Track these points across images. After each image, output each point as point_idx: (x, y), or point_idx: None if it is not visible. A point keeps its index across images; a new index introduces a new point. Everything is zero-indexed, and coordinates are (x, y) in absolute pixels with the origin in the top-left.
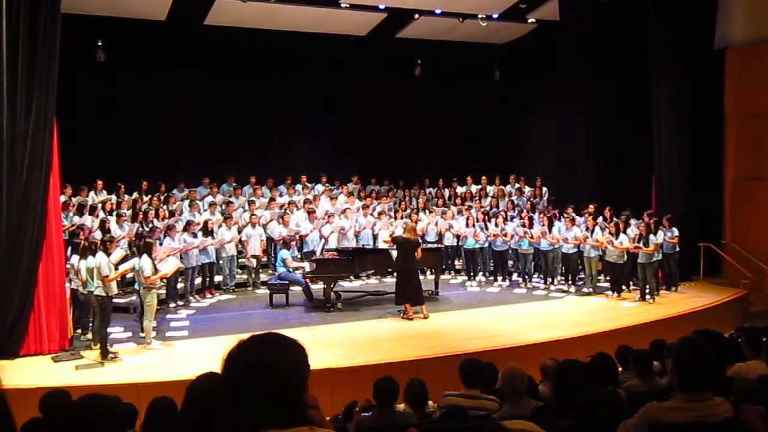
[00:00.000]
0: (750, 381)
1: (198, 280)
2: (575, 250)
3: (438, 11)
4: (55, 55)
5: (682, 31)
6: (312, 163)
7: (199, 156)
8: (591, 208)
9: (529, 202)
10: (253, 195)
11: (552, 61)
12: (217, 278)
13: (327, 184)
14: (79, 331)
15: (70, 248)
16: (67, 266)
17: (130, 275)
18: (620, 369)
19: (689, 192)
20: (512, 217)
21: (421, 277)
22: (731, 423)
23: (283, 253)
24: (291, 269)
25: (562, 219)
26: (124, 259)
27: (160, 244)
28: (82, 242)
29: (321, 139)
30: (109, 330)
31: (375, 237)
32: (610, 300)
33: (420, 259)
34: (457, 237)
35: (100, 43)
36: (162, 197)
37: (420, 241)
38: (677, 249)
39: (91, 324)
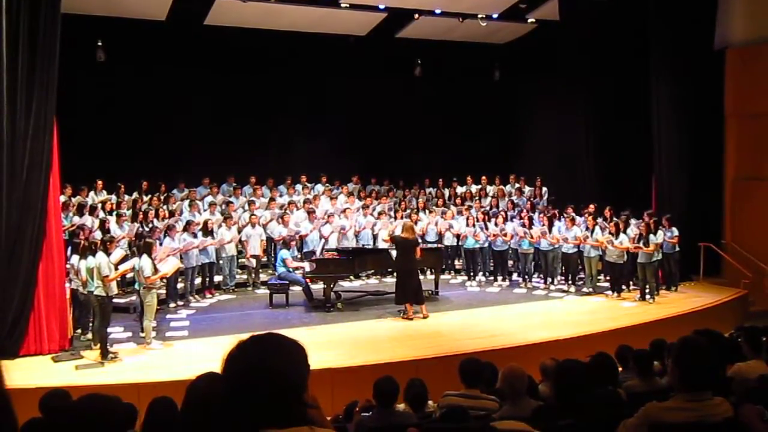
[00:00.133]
0: (750, 381)
1: (198, 280)
2: (575, 250)
3: (438, 11)
4: (55, 55)
5: (682, 31)
6: (312, 163)
7: (199, 156)
8: (591, 207)
9: (529, 202)
10: (253, 195)
11: (552, 61)
12: (217, 278)
13: (327, 184)
14: (79, 331)
15: (70, 248)
16: (67, 266)
17: (130, 275)
18: (620, 369)
19: (689, 192)
20: (512, 217)
21: (421, 277)
22: (731, 423)
23: (283, 253)
24: (291, 269)
25: (562, 219)
26: (124, 259)
27: (160, 244)
28: (82, 242)
29: (321, 139)
30: (109, 330)
31: (375, 237)
32: (610, 300)
33: (420, 259)
34: (457, 237)
35: (100, 43)
36: (162, 197)
37: (419, 239)
38: (677, 249)
39: (91, 324)
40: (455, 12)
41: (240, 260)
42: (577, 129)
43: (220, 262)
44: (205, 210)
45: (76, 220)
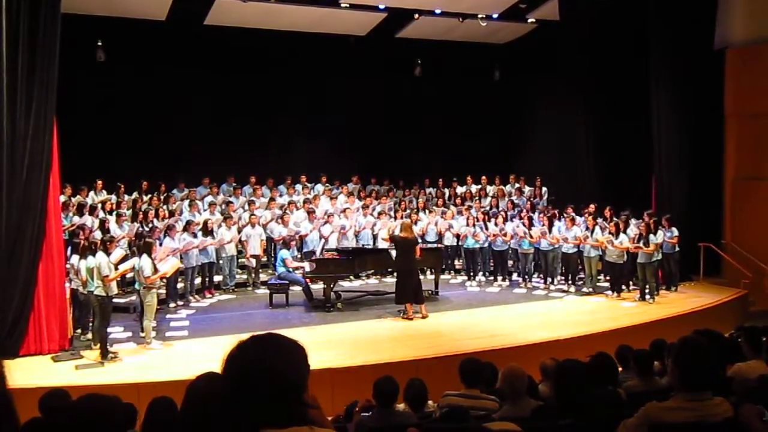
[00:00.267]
0: (750, 381)
1: (198, 280)
2: (575, 249)
3: (438, 11)
4: (55, 55)
5: (682, 31)
6: (312, 163)
7: (199, 156)
8: (591, 207)
9: (529, 202)
10: (253, 195)
11: (552, 61)
12: (217, 278)
13: (327, 184)
14: (79, 331)
15: (70, 248)
16: (67, 266)
17: (130, 275)
18: (620, 369)
19: (689, 192)
20: (512, 217)
21: (421, 277)
22: (731, 423)
23: (283, 253)
24: (291, 269)
25: (562, 219)
26: (124, 259)
27: (160, 244)
28: (82, 242)
29: (321, 139)
30: (109, 330)
31: (375, 237)
32: (610, 300)
33: (420, 259)
34: (457, 237)
35: (100, 43)
36: (162, 197)
37: (418, 238)
38: (677, 249)
39: (91, 324)
40: (455, 12)
41: (240, 260)
42: (577, 129)
43: (220, 262)
44: (205, 210)
45: (76, 220)
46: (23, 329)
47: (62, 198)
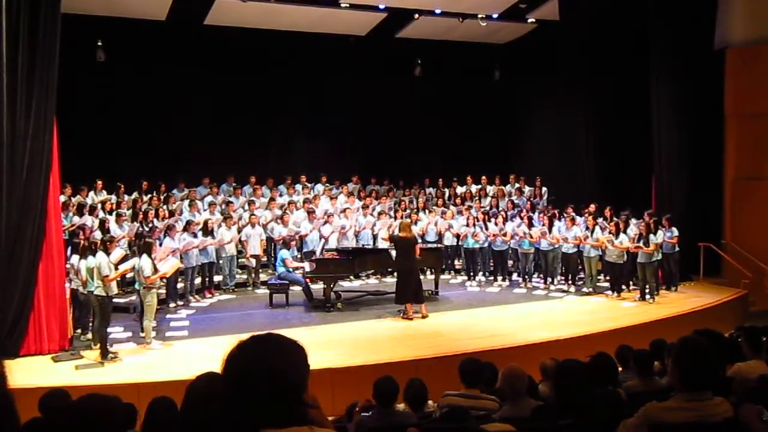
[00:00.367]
0: (750, 381)
1: (198, 280)
2: (575, 249)
3: (438, 11)
4: (55, 55)
5: (682, 31)
6: (312, 163)
7: (199, 156)
8: (592, 207)
9: (529, 202)
10: (253, 195)
11: (552, 61)
12: (217, 278)
13: (327, 184)
14: (79, 331)
15: (70, 248)
16: (67, 266)
17: (130, 275)
18: (620, 369)
19: (689, 192)
20: (512, 216)
21: (421, 277)
22: (731, 423)
23: (283, 253)
24: (291, 269)
25: (562, 219)
26: (124, 259)
27: (160, 244)
28: (82, 242)
29: (321, 139)
30: (109, 330)
31: (375, 237)
32: (610, 300)
33: (420, 259)
34: (457, 237)
35: (100, 43)
36: (162, 197)
37: (417, 237)
38: (677, 249)
39: (91, 324)
40: (455, 12)
41: (240, 260)
42: (577, 129)
43: (220, 262)
44: (205, 210)
45: (76, 220)
46: (23, 329)
47: (62, 198)
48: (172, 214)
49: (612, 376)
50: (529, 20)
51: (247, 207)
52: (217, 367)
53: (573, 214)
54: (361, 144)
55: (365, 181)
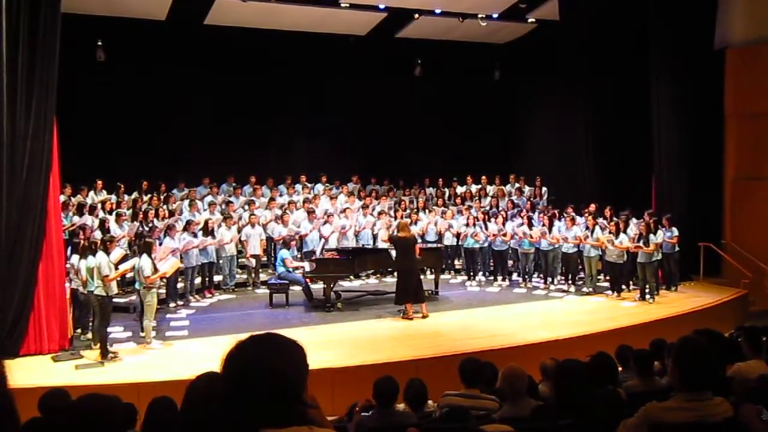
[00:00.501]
0: (750, 381)
1: (198, 280)
2: (575, 249)
3: (438, 11)
4: (55, 55)
5: (682, 31)
6: (312, 163)
7: (199, 156)
8: (592, 207)
9: (529, 202)
10: (253, 195)
11: (552, 61)
12: (217, 278)
13: (327, 184)
14: (79, 330)
15: (70, 248)
16: (67, 266)
17: (130, 275)
18: (620, 369)
19: (689, 192)
20: (512, 216)
21: (421, 277)
22: (731, 423)
23: (283, 253)
24: (291, 269)
25: (563, 219)
26: (124, 259)
27: (160, 244)
28: (82, 242)
29: (321, 139)
30: (109, 330)
31: (375, 237)
32: (610, 300)
33: (420, 259)
34: (457, 236)
35: (100, 43)
36: (162, 197)
37: (416, 237)
38: (677, 249)
39: (91, 324)
40: (455, 12)
41: (240, 260)
42: (577, 129)
43: (220, 261)
44: (205, 210)
45: (76, 219)
46: (23, 329)
47: (62, 198)
48: (172, 214)
49: (612, 376)
50: (529, 20)
51: (247, 207)
52: (216, 367)
53: (573, 214)
54: (361, 144)
55: (365, 181)
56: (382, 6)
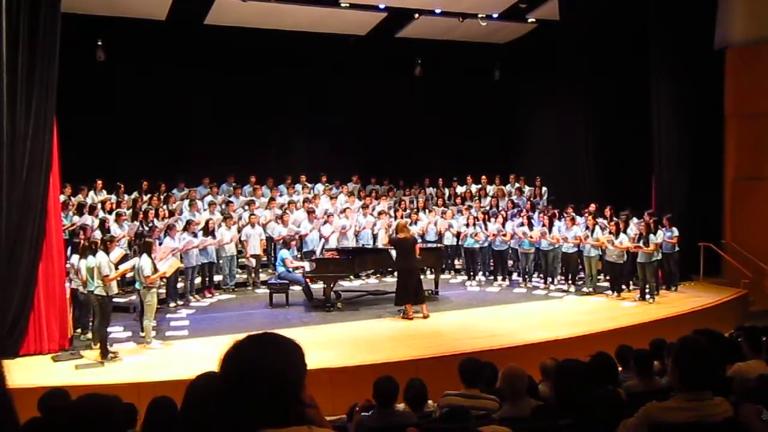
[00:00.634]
0: (750, 381)
1: (198, 280)
2: (575, 249)
3: (438, 11)
4: (55, 54)
5: (682, 31)
6: (312, 163)
7: (199, 156)
8: (592, 207)
9: (529, 202)
10: (253, 195)
11: (552, 61)
12: (217, 278)
13: (327, 184)
14: (79, 330)
15: (70, 248)
16: (67, 266)
17: (130, 275)
18: (620, 369)
19: (689, 192)
20: (512, 216)
21: (421, 277)
22: (731, 423)
23: (283, 253)
24: (291, 269)
25: (563, 219)
26: (124, 259)
27: (160, 244)
28: (82, 242)
29: (321, 139)
30: (109, 329)
31: (375, 237)
32: (610, 300)
33: (420, 259)
34: (457, 236)
35: (100, 43)
36: (162, 197)
37: (416, 237)
38: (677, 249)
39: (91, 323)
40: (455, 12)
41: (240, 260)
42: (577, 129)
43: (220, 261)
44: (205, 210)
45: (76, 219)
46: (23, 329)
47: (62, 198)
48: (172, 213)
49: (612, 376)
50: (529, 20)
51: (247, 207)
52: (216, 367)
53: (573, 213)
54: (361, 144)
55: (365, 181)
56: (382, 6)
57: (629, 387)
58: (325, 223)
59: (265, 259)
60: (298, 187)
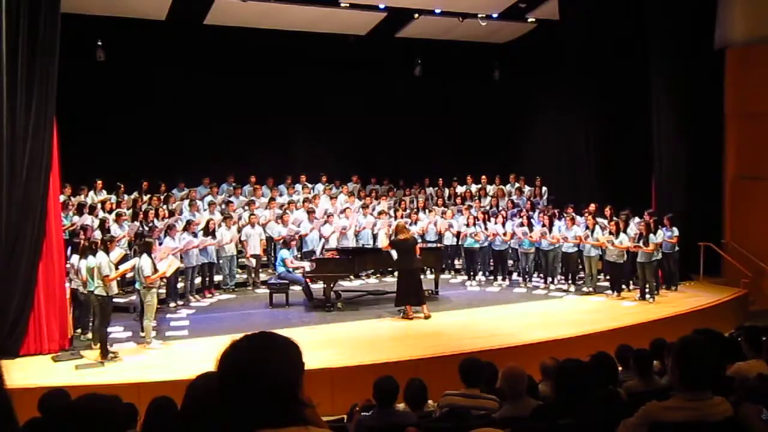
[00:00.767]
0: (750, 380)
1: (198, 280)
2: (575, 249)
3: (438, 10)
4: (55, 55)
5: (682, 31)
6: (312, 163)
7: (199, 156)
8: (592, 207)
9: (529, 202)
10: (253, 195)
11: (552, 61)
12: (217, 278)
13: (327, 184)
14: (79, 330)
15: (70, 248)
16: (67, 266)
17: (130, 275)
18: (620, 369)
19: (689, 192)
20: (512, 215)
21: (421, 277)
22: (731, 422)
23: (283, 253)
24: (291, 269)
25: (563, 218)
26: (124, 259)
27: (160, 244)
28: (82, 242)
29: (321, 139)
30: (109, 330)
31: (375, 237)
32: (610, 299)
33: (420, 259)
34: (457, 236)
35: (100, 43)
36: (162, 197)
37: (416, 237)
38: (677, 248)
39: (91, 324)
40: (455, 12)
41: (240, 260)
42: (577, 129)
43: (220, 261)
44: (205, 210)
45: (76, 219)
46: (23, 329)
47: (62, 198)
48: (172, 213)
49: (612, 376)
50: (529, 20)
51: (247, 207)
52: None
53: (573, 213)
54: (361, 144)
55: (365, 181)
56: (382, 6)
57: (629, 387)
58: (325, 223)
59: (265, 259)
60: (298, 187)
